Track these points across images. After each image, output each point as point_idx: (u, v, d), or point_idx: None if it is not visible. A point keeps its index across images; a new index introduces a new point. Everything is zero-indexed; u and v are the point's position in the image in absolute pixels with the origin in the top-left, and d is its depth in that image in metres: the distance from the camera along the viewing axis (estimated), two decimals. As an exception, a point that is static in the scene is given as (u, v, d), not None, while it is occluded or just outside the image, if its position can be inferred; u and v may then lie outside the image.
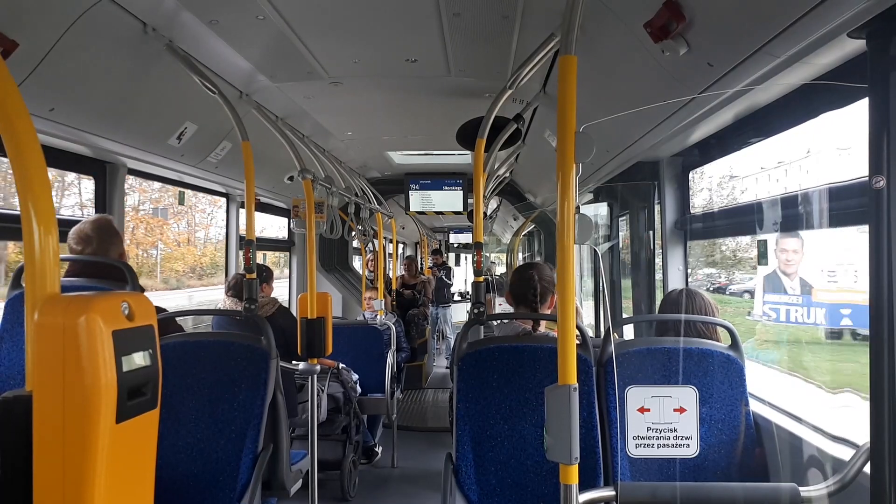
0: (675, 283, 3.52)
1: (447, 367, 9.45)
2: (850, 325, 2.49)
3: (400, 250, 14.34)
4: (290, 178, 5.08)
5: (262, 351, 2.66)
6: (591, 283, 6.42)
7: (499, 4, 2.54)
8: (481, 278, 2.66)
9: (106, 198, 3.40)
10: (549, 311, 2.70)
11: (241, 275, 3.83)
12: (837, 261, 2.36)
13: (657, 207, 3.74)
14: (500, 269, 13.77)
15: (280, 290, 5.11)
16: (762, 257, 2.70)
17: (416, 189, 7.07)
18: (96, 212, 3.35)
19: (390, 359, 5.05)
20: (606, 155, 3.46)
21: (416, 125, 4.96)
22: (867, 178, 1.44)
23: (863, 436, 1.60)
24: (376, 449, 5.21)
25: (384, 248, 7.24)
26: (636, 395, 2.05)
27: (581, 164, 1.43)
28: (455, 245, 17.51)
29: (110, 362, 0.99)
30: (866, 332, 1.47)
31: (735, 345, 2.36)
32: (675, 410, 2.04)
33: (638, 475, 2.25)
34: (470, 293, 2.73)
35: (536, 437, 2.36)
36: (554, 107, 1.47)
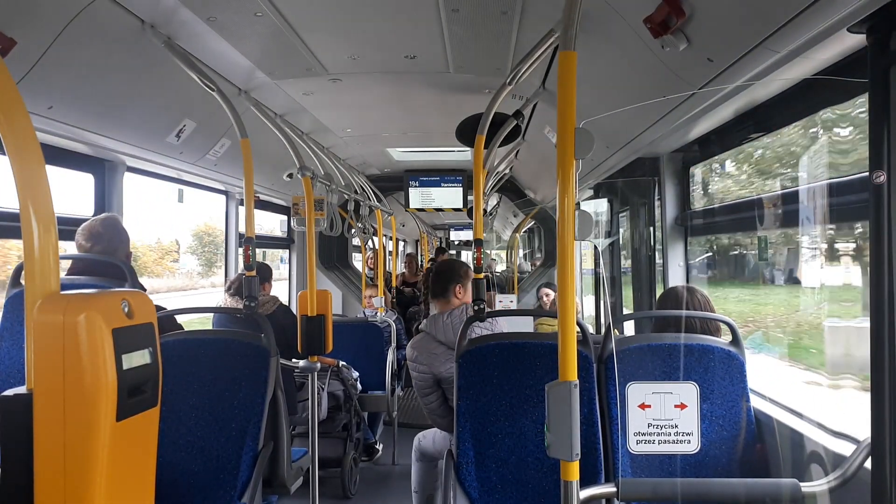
0: (676, 279, 3.52)
1: None
2: None
3: (400, 248, 14.34)
4: (290, 176, 5.07)
5: (262, 349, 2.66)
6: (592, 279, 6.42)
7: (498, 0, 2.54)
8: (481, 275, 2.66)
9: (105, 196, 3.39)
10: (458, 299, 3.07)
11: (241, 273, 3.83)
12: None
13: (657, 203, 3.74)
14: (501, 267, 13.76)
15: (276, 291, 5.09)
16: None
17: (415, 186, 7.06)
18: (95, 210, 3.35)
19: (391, 356, 5.05)
20: (606, 151, 3.45)
21: (416, 122, 4.96)
22: (867, 174, 1.44)
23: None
24: (377, 446, 5.21)
25: (384, 245, 7.24)
26: (637, 392, 2.05)
27: (581, 161, 1.43)
28: (455, 242, 17.52)
29: (110, 360, 0.99)
30: None
31: (736, 341, 2.36)
32: (675, 406, 2.05)
33: (639, 471, 2.25)
34: None
35: (537, 434, 2.36)
36: (554, 103, 1.47)
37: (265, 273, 4.24)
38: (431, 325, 3.01)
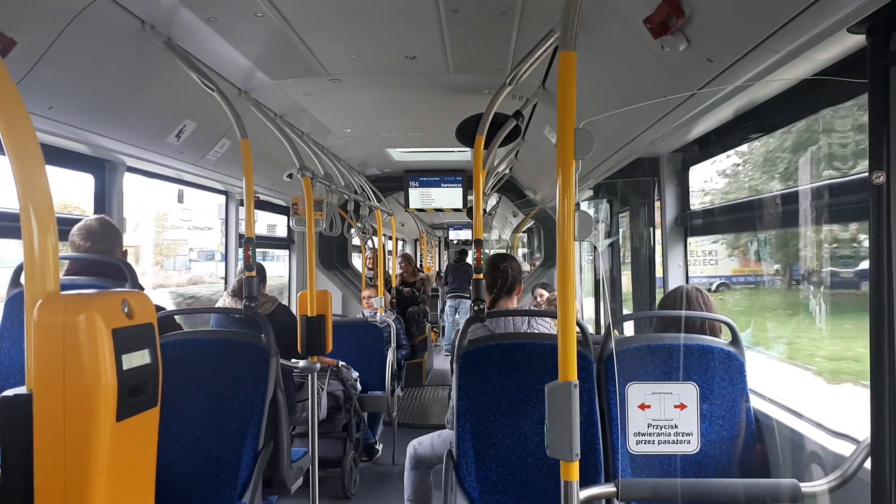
0: (676, 279, 3.52)
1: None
2: None
3: (399, 247, 14.33)
4: (290, 176, 5.07)
5: (262, 349, 2.67)
6: (591, 279, 6.41)
7: (498, 0, 2.54)
8: (481, 275, 2.66)
9: (105, 196, 3.39)
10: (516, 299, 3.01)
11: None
12: None
13: (657, 204, 3.73)
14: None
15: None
16: None
17: (415, 186, 7.05)
18: (95, 210, 3.35)
19: (390, 356, 5.05)
20: (606, 151, 3.45)
21: (416, 122, 4.96)
22: (867, 174, 1.44)
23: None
24: (377, 446, 5.21)
25: (384, 245, 7.24)
26: (637, 392, 2.05)
27: (581, 161, 1.43)
28: (455, 241, 17.51)
29: (110, 361, 0.99)
30: None
31: (735, 341, 2.36)
32: (675, 407, 2.04)
33: (639, 471, 2.25)
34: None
35: (537, 434, 2.36)
36: (553, 103, 1.47)
37: (262, 273, 4.24)
38: (494, 318, 2.90)
